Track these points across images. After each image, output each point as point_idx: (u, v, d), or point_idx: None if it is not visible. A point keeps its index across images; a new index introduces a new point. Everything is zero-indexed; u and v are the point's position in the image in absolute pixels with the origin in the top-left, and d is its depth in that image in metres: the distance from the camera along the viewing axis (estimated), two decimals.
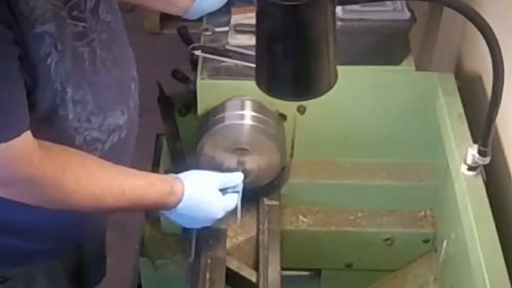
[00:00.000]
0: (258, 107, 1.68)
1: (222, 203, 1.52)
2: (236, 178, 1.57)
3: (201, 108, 1.71)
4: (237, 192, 1.56)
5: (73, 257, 1.63)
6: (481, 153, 1.43)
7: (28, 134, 1.25)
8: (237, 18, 1.83)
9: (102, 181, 1.37)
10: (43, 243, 1.49)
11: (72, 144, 1.37)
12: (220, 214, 1.52)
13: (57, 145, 1.32)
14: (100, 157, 1.42)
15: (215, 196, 1.51)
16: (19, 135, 1.22)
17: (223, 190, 1.54)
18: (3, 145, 1.21)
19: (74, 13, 1.31)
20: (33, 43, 1.23)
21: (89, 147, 1.40)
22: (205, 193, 1.49)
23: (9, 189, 1.30)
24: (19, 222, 1.41)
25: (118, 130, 1.46)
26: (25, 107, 1.24)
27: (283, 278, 1.62)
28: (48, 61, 1.26)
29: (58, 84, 1.30)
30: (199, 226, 1.55)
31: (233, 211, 1.56)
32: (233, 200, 1.54)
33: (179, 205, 1.45)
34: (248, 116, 1.66)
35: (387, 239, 1.79)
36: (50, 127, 1.33)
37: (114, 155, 1.46)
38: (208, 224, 1.54)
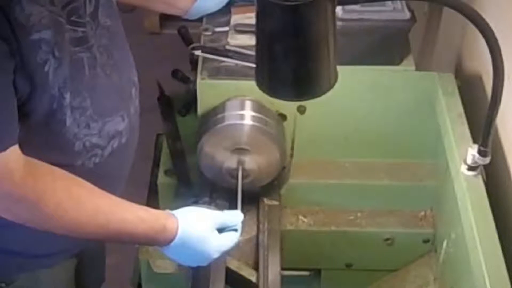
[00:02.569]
0: (258, 107, 1.68)
1: (218, 243, 1.43)
2: (236, 217, 1.48)
3: (201, 108, 1.71)
4: (235, 230, 1.46)
5: (72, 264, 1.62)
6: (481, 153, 1.43)
7: (14, 150, 1.22)
8: (237, 18, 1.83)
9: (87, 210, 1.32)
10: (42, 250, 1.48)
11: (71, 150, 1.35)
12: (215, 255, 1.43)
13: (47, 165, 1.29)
14: (100, 163, 1.41)
15: (211, 236, 1.42)
16: (5, 149, 1.20)
17: (221, 229, 1.46)
18: None
19: (73, 18, 1.29)
20: (30, 50, 1.21)
21: (88, 153, 1.38)
22: (200, 232, 1.41)
23: None
24: (18, 230, 1.40)
25: (118, 136, 1.43)
26: (15, 122, 1.22)
27: (283, 278, 1.62)
28: (46, 68, 1.24)
29: (56, 90, 1.27)
30: (193, 265, 1.49)
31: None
32: (230, 239, 1.45)
33: (172, 243, 1.39)
34: (248, 116, 1.66)
35: (387, 239, 1.79)
36: (48, 132, 1.31)
37: (114, 161, 1.44)
38: (204, 264, 1.46)
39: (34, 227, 1.31)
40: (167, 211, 1.43)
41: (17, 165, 1.23)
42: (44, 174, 1.28)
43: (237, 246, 1.48)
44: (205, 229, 1.42)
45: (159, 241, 1.39)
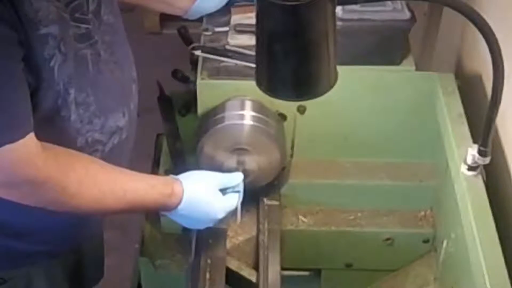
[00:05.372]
0: (258, 107, 1.68)
1: (222, 203, 1.52)
2: (236, 178, 1.56)
3: (201, 108, 1.71)
4: (238, 192, 1.55)
5: (71, 258, 1.63)
6: (481, 153, 1.43)
7: (32, 136, 1.24)
8: (237, 18, 1.83)
9: (104, 184, 1.36)
10: (42, 244, 1.49)
11: (73, 146, 1.37)
12: (221, 214, 1.51)
13: (60, 147, 1.32)
14: (101, 158, 1.42)
15: (215, 197, 1.50)
16: (24, 136, 1.22)
17: (224, 190, 1.54)
18: (8, 146, 1.20)
19: (77, 15, 1.31)
20: (37, 44, 1.23)
21: (90, 148, 1.40)
22: (205, 194, 1.49)
23: (12, 191, 1.29)
24: (18, 224, 1.41)
25: (119, 131, 1.46)
26: (29, 109, 1.24)
27: (283, 278, 1.62)
28: (52, 63, 1.26)
29: (61, 86, 1.30)
30: (201, 227, 1.55)
31: (234, 211, 1.56)
32: (233, 200, 1.54)
33: (179, 206, 1.45)
34: (248, 116, 1.66)
35: (387, 239, 1.79)
36: (52, 128, 1.33)
37: (114, 156, 1.46)
38: (210, 225, 1.53)
39: (55, 209, 1.34)
40: (172, 176, 1.49)
41: (38, 150, 1.26)
42: (62, 155, 1.32)
43: (240, 209, 1.57)
44: (209, 191, 1.49)
45: (167, 205, 1.45)
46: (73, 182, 1.31)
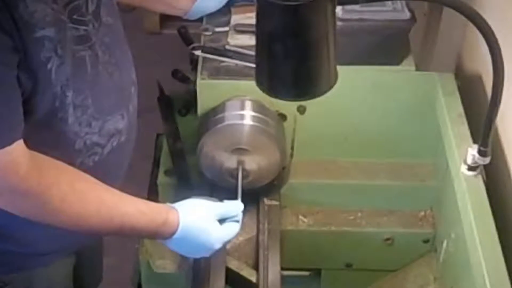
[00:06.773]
0: (258, 107, 1.68)
1: (219, 233, 1.46)
2: (236, 208, 1.51)
3: (201, 108, 1.71)
4: (237, 221, 1.50)
5: (71, 262, 1.63)
6: (481, 153, 1.43)
7: (20, 144, 1.23)
8: (237, 18, 1.83)
9: (90, 204, 1.33)
10: (41, 249, 1.48)
11: (72, 148, 1.36)
12: (218, 245, 1.47)
13: (51, 159, 1.30)
14: (100, 161, 1.42)
15: (212, 227, 1.45)
16: (11, 143, 1.21)
17: (222, 219, 1.49)
18: None
19: (75, 16, 1.30)
20: (33, 47, 1.22)
21: (88, 151, 1.39)
22: (202, 225, 1.44)
23: None
24: (16, 228, 1.40)
25: (118, 134, 1.44)
26: (20, 116, 1.23)
27: (283, 278, 1.62)
28: (49, 66, 1.25)
29: (58, 88, 1.28)
30: (197, 256, 1.52)
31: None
32: (232, 230, 1.49)
33: (175, 236, 1.41)
34: (248, 116, 1.66)
35: (387, 239, 1.79)
36: (50, 130, 1.32)
37: (113, 159, 1.45)
38: (206, 255, 1.49)
39: (37, 221, 1.32)
40: (168, 204, 1.45)
41: (23, 159, 1.24)
42: (49, 168, 1.29)
43: (237, 236, 1.51)
44: (206, 221, 1.45)
45: (161, 234, 1.42)
46: (56, 197, 1.29)
